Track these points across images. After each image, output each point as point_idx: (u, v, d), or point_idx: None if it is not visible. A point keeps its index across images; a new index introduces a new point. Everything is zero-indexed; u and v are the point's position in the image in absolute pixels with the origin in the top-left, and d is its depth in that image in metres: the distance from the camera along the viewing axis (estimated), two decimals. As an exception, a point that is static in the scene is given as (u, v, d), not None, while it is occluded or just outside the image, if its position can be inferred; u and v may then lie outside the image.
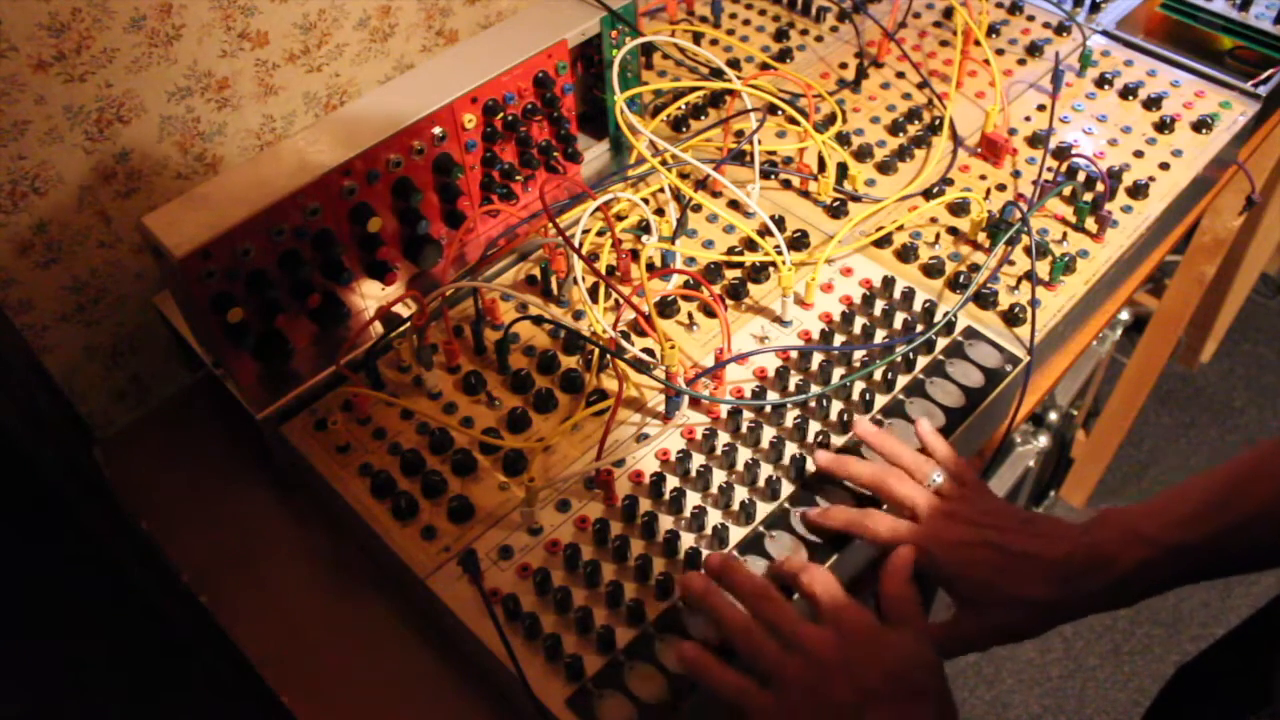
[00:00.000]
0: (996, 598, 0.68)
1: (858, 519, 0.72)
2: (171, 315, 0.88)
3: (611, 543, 0.72)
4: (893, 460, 0.75)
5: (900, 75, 1.12)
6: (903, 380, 0.83)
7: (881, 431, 0.77)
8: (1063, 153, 1.01)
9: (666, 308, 0.88)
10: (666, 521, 0.74)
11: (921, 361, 0.84)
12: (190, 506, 0.87)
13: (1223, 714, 0.69)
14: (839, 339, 0.86)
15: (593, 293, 0.88)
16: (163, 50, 0.84)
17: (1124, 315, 1.71)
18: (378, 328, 0.86)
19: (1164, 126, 1.04)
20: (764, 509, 0.75)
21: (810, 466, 0.77)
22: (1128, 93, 1.08)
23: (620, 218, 0.94)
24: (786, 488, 0.76)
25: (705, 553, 0.71)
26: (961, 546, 0.69)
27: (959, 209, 0.96)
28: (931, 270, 0.91)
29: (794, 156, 1.02)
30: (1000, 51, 1.15)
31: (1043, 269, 0.90)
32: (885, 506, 0.74)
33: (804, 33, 1.18)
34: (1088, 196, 0.96)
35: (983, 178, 1.01)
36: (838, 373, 0.83)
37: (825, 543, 0.73)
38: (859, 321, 0.87)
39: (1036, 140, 1.03)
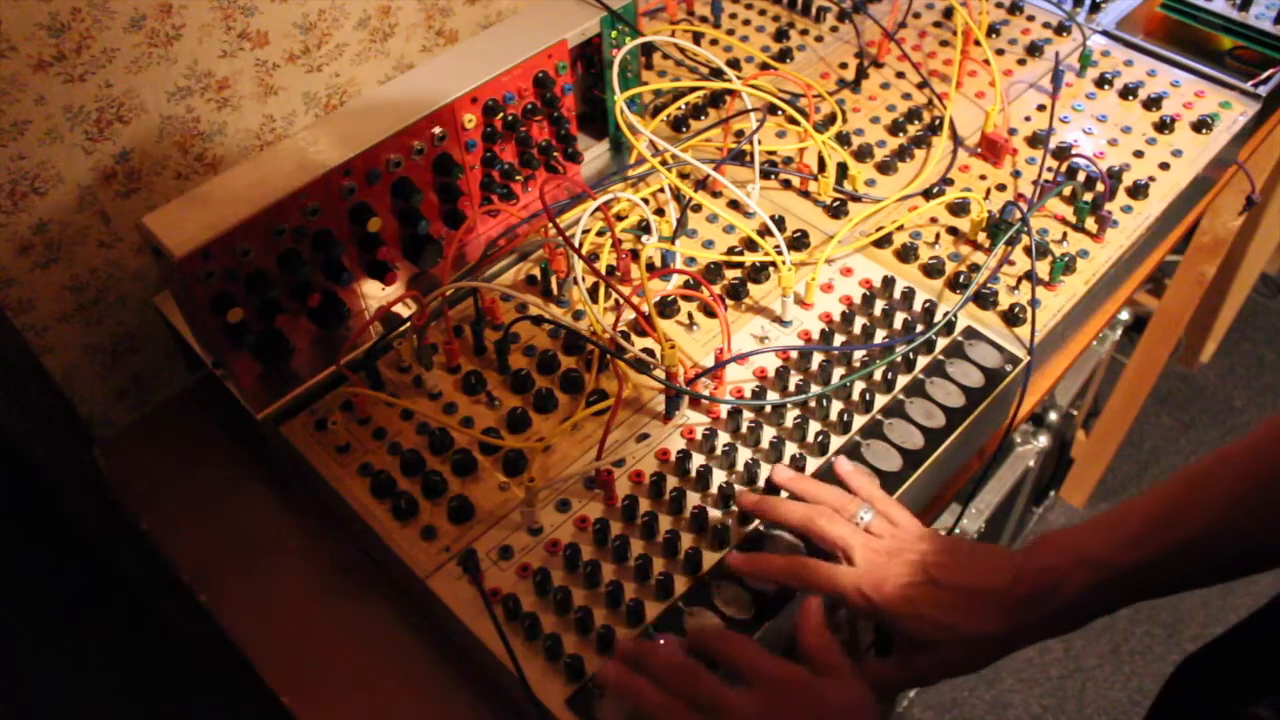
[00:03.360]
0: (946, 636, 0.65)
1: (791, 568, 0.69)
2: (171, 315, 0.88)
3: (611, 543, 0.72)
4: (816, 501, 0.72)
5: (900, 75, 1.12)
6: (903, 380, 0.83)
7: (798, 475, 0.75)
8: (1063, 153, 1.01)
9: (666, 308, 0.88)
10: (666, 521, 0.74)
11: (921, 361, 0.84)
12: (190, 506, 0.87)
13: (1226, 707, 0.69)
14: (839, 339, 0.86)
15: (593, 293, 0.88)
16: (163, 50, 0.84)
17: (1124, 315, 1.71)
18: (378, 328, 0.86)
19: (1164, 126, 1.04)
20: (764, 509, 0.75)
21: (810, 467, 0.77)
22: (1128, 93, 1.08)
23: (620, 218, 0.94)
24: (786, 488, 0.76)
25: (619, 644, 0.67)
26: (906, 587, 0.66)
27: (959, 209, 0.96)
28: (931, 270, 0.91)
29: (794, 156, 1.02)
30: (1000, 51, 1.15)
31: (1043, 269, 0.90)
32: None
33: (804, 33, 1.18)
34: (1088, 196, 0.96)
35: (983, 178, 1.01)
36: (838, 373, 0.83)
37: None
38: (859, 321, 0.87)
39: (1036, 140, 1.03)
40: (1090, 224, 0.95)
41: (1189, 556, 0.63)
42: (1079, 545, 0.65)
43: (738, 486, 0.75)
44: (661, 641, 0.67)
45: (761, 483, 0.76)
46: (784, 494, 0.75)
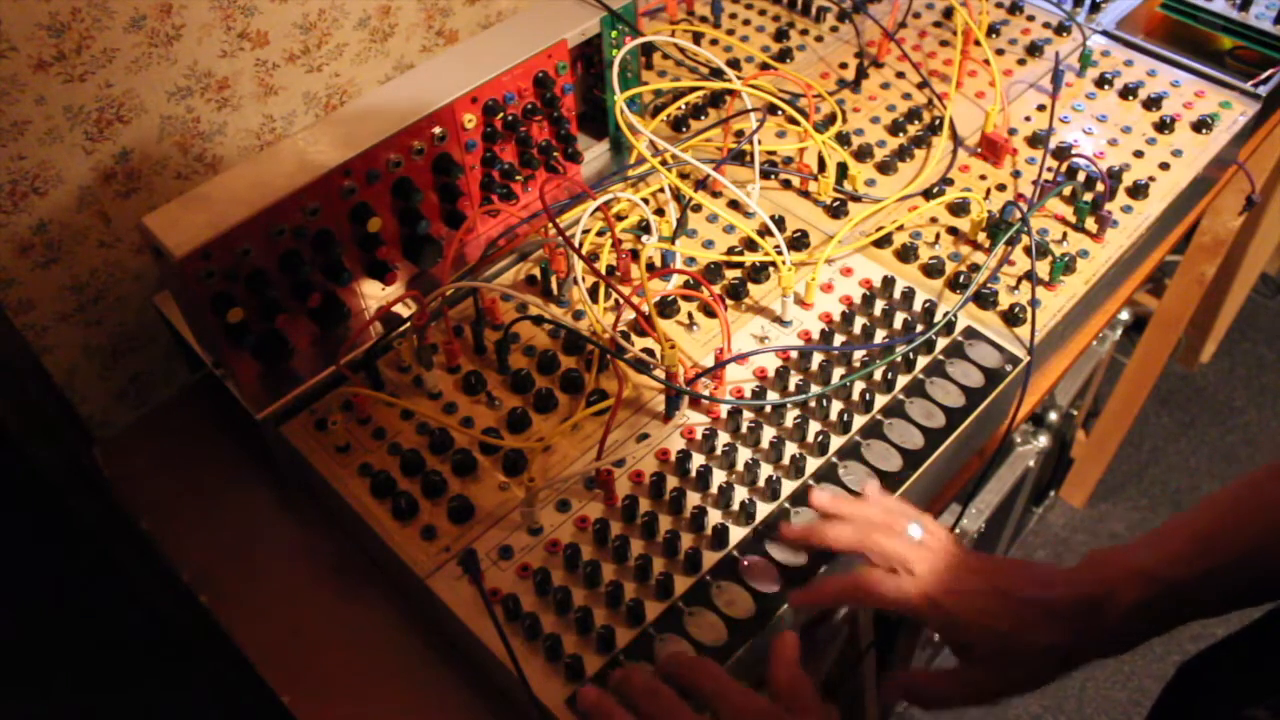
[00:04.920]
0: (1011, 647, 0.65)
1: (853, 586, 0.68)
2: (171, 315, 0.88)
3: (611, 543, 0.72)
4: (865, 521, 0.71)
5: (900, 75, 1.12)
6: (903, 380, 0.83)
7: (836, 497, 0.74)
8: (1063, 153, 1.01)
9: (666, 308, 0.88)
10: (666, 521, 0.74)
11: (921, 361, 0.84)
12: (190, 506, 0.87)
13: (1225, 709, 0.68)
14: (839, 339, 0.86)
15: (593, 293, 0.88)
16: (163, 50, 0.84)
17: (1124, 315, 1.71)
18: (378, 328, 0.86)
19: (1164, 126, 1.04)
20: (764, 509, 0.75)
21: (810, 467, 0.77)
22: (1128, 93, 1.08)
23: (620, 218, 0.94)
24: (787, 487, 0.76)
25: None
26: (973, 596, 0.65)
27: (959, 209, 0.96)
28: (931, 270, 0.91)
29: (794, 156, 1.02)
30: (1000, 51, 1.15)
31: (1043, 269, 0.90)
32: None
33: (804, 33, 1.18)
34: (1088, 196, 0.96)
35: (983, 178, 1.01)
36: (838, 373, 0.83)
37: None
38: (859, 321, 0.87)
39: (1036, 140, 1.03)
40: (1090, 224, 0.95)
41: (1237, 572, 0.62)
42: (1129, 560, 0.65)
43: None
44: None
45: (761, 483, 0.76)
46: (790, 514, 0.74)
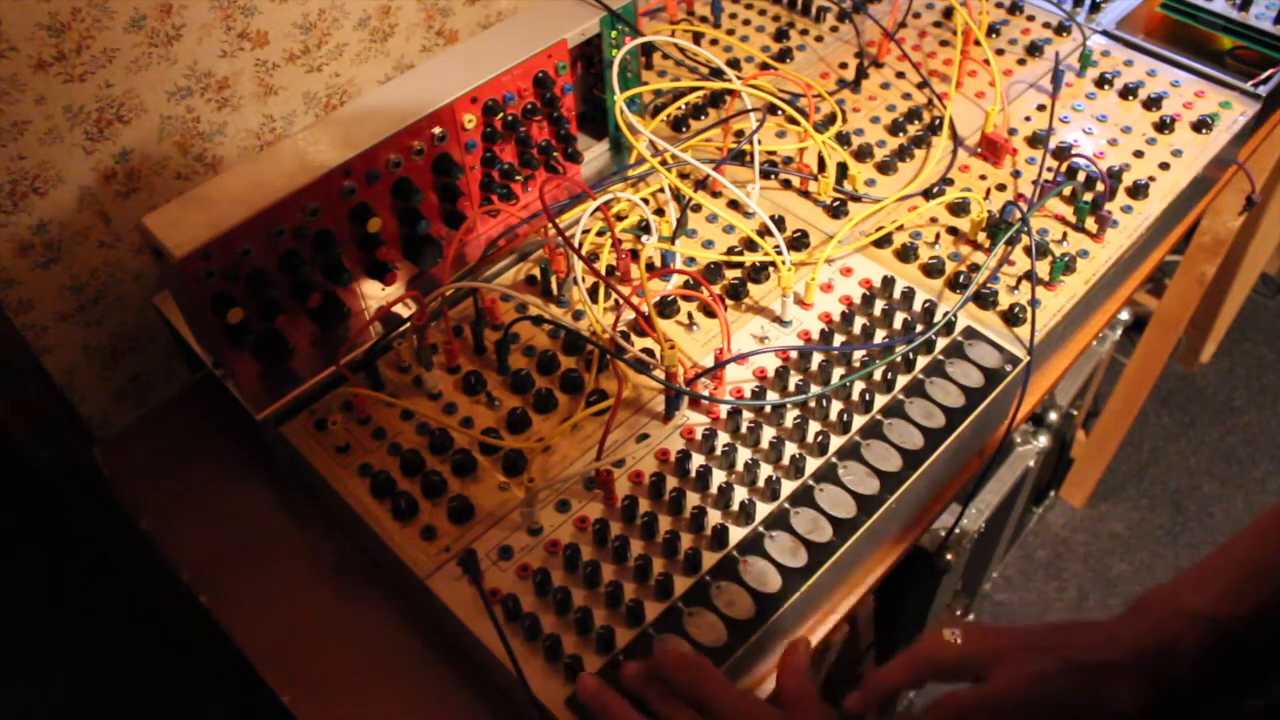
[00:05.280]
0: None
1: (919, 670, 0.66)
2: (171, 315, 0.88)
3: (611, 543, 0.72)
4: (911, 646, 0.68)
5: (900, 75, 1.12)
6: (903, 380, 0.83)
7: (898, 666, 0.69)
8: (1063, 153, 1.01)
9: (666, 308, 0.88)
10: (666, 522, 0.74)
11: (921, 361, 0.84)
12: (190, 506, 0.87)
13: (1226, 703, 0.68)
14: (839, 339, 0.86)
15: (593, 293, 0.88)
16: (163, 50, 0.84)
17: (1124, 315, 1.71)
18: (378, 328, 0.86)
19: (1164, 126, 1.04)
20: (764, 509, 0.75)
21: (810, 467, 0.77)
22: (1128, 93, 1.08)
23: (620, 218, 0.94)
24: (787, 487, 0.76)
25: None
26: (1040, 678, 0.62)
27: (959, 209, 0.96)
28: (931, 270, 0.91)
29: (794, 156, 1.02)
30: (1000, 51, 1.15)
31: (1043, 269, 0.90)
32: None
33: (804, 33, 1.18)
34: (1088, 196, 0.96)
35: (983, 178, 1.01)
36: (838, 373, 0.83)
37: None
38: (859, 321, 0.87)
39: (1036, 140, 1.03)
40: (1090, 224, 0.95)
41: None
42: (1182, 600, 0.62)
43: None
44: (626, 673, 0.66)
45: (761, 483, 0.76)
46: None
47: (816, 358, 0.83)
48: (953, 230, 0.95)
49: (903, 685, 0.67)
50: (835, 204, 0.97)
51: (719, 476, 0.77)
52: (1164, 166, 1.01)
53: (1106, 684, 0.61)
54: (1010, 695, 0.62)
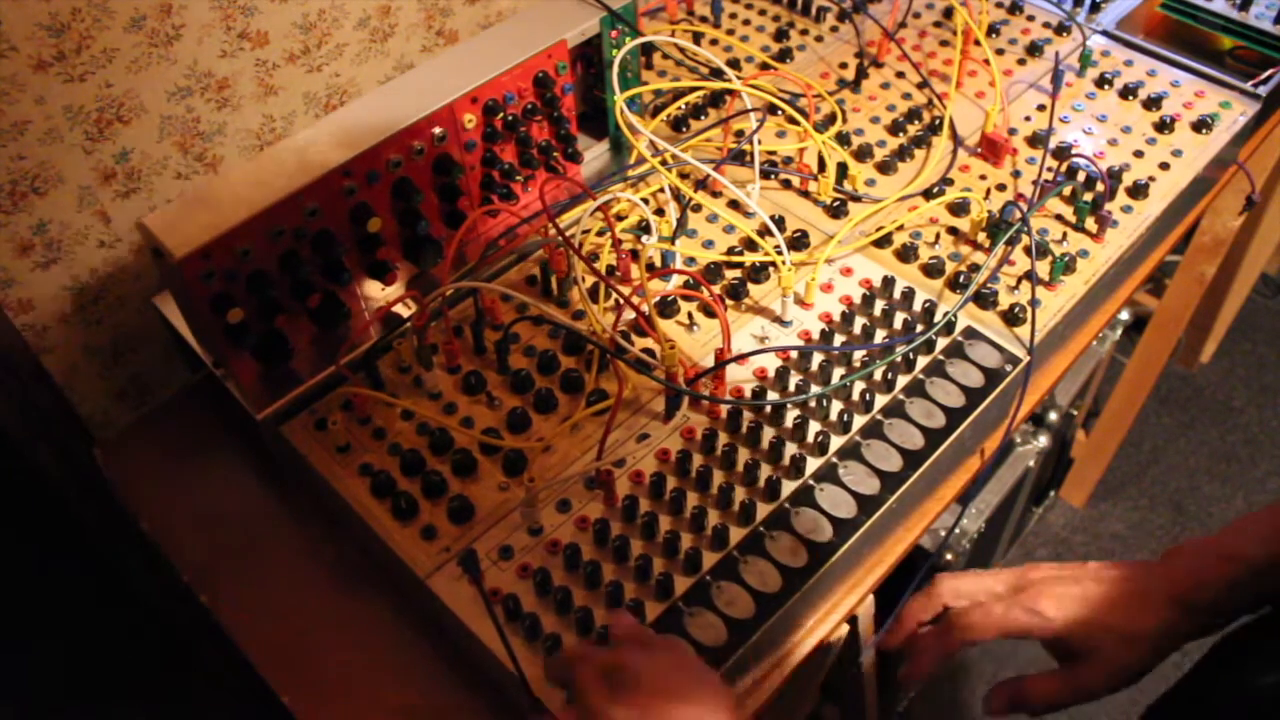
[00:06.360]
0: (1107, 638, 0.70)
1: (958, 634, 0.73)
2: (171, 315, 0.88)
3: (611, 543, 0.72)
4: (945, 611, 0.76)
5: (900, 75, 1.12)
6: (903, 380, 0.83)
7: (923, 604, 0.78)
8: (1063, 153, 1.01)
9: (666, 308, 0.88)
10: (666, 522, 0.74)
11: (921, 361, 0.84)
12: (190, 506, 0.87)
13: (1244, 680, 0.71)
14: (839, 339, 0.86)
15: (593, 293, 0.88)
16: (163, 50, 0.84)
17: (1124, 315, 1.71)
18: (378, 328, 0.86)
19: (1164, 126, 1.04)
20: (764, 509, 0.75)
21: (810, 467, 0.77)
22: (1128, 93, 1.08)
23: (620, 218, 0.94)
24: (787, 487, 0.76)
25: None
26: (1070, 600, 0.71)
27: (959, 209, 0.96)
28: (931, 270, 0.91)
29: (794, 156, 1.02)
30: (1000, 51, 1.15)
31: (1043, 269, 0.90)
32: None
33: (804, 33, 1.18)
34: (1088, 196, 0.96)
35: (983, 178, 1.01)
36: (838, 373, 0.83)
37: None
38: (859, 321, 0.87)
39: (1036, 140, 1.03)
40: (1090, 224, 0.95)
41: None
42: (1214, 543, 0.70)
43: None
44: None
45: (761, 483, 0.76)
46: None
47: (817, 358, 0.83)
48: (953, 230, 0.95)
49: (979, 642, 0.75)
50: (835, 204, 0.97)
51: (719, 476, 0.77)
52: (1164, 166, 1.01)
53: (1130, 606, 0.70)
54: (1094, 686, 0.72)
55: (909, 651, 0.77)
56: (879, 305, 0.87)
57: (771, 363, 0.84)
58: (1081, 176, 0.98)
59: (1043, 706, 0.73)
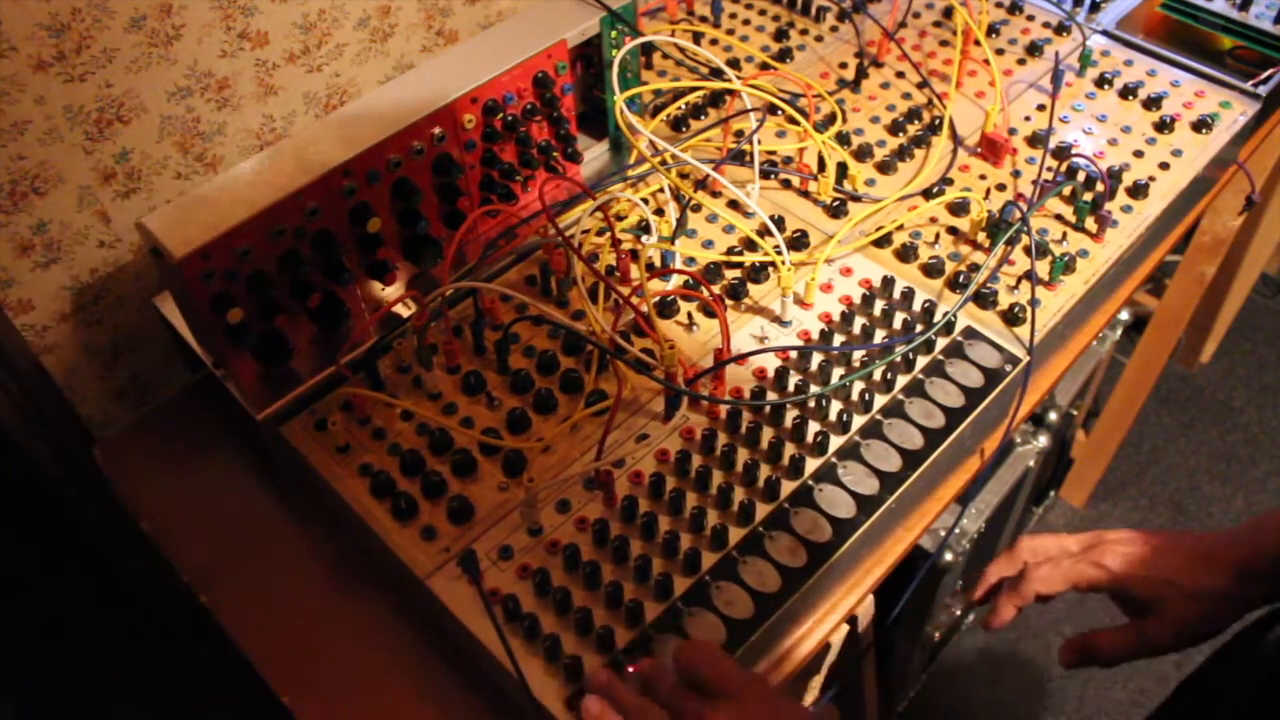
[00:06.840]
0: (1171, 593, 0.74)
1: (1031, 586, 0.79)
2: (171, 315, 0.88)
3: (611, 543, 0.72)
4: (1024, 566, 0.81)
5: (900, 75, 1.12)
6: (902, 380, 0.83)
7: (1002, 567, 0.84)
8: (1063, 152, 1.01)
9: (666, 308, 0.88)
10: (666, 522, 0.74)
11: (921, 361, 0.84)
12: (190, 506, 0.87)
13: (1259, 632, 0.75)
14: (839, 339, 0.86)
15: (593, 293, 0.88)
16: (163, 50, 0.84)
17: (1124, 315, 1.71)
18: (377, 328, 0.86)
19: (1164, 126, 1.04)
20: (763, 509, 0.75)
21: (810, 467, 0.77)
22: (1128, 93, 1.08)
23: (620, 218, 0.94)
24: (786, 487, 0.76)
25: (590, 676, 0.65)
26: (1134, 557, 0.76)
27: (959, 209, 0.96)
28: (931, 270, 0.91)
29: (794, 156, 1.02)
30: (1000, 51, 1.15)
31: (1043, 269, 0.90)
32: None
33: (804, 33, 1.18)
34: (1088, 196, 0.96)
35: (983, 177, 1.01)
36: (837, 373, 0.83)
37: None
38: (859, 321, 0.87)
39: (1036, 140, 1.03)
40: (1090, 224, 0.95)
41: None
42: (1273, 517, 0.74)
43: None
44: (630, 670, 0.66)
45: (761, 483, 0.76)
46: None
47: (816, 358, 0.83)
48: (953, 230, 0.95)
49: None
50: (835, 204, 0.97)
51: (719, 477, 0.77)
52: (1164, 166, 1.01)
53: (1194, 566, 0.74)
54: (1159, 640, 0.75)
55: (993, 604, 0.82)
56: (879, 305, 0.87)
57: (771, 363, 0.84)
58: (1081, 176, 0.98)
59: (1111, 659, 0.76)
